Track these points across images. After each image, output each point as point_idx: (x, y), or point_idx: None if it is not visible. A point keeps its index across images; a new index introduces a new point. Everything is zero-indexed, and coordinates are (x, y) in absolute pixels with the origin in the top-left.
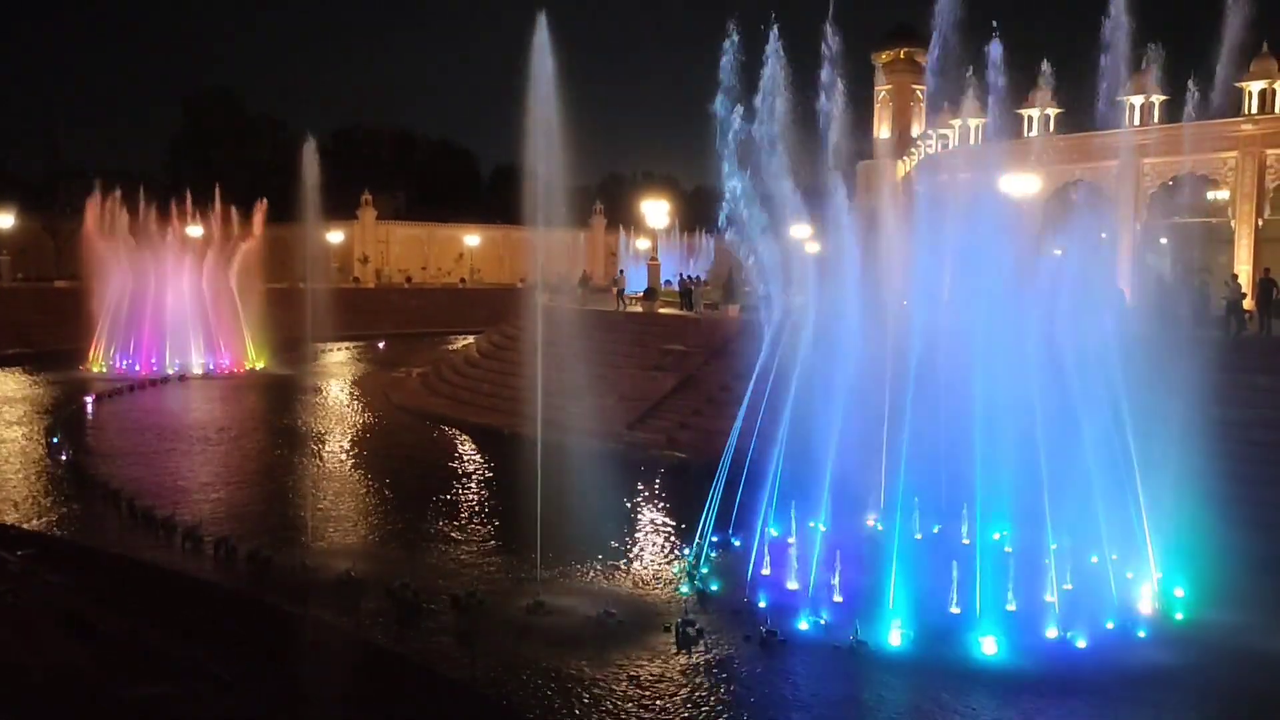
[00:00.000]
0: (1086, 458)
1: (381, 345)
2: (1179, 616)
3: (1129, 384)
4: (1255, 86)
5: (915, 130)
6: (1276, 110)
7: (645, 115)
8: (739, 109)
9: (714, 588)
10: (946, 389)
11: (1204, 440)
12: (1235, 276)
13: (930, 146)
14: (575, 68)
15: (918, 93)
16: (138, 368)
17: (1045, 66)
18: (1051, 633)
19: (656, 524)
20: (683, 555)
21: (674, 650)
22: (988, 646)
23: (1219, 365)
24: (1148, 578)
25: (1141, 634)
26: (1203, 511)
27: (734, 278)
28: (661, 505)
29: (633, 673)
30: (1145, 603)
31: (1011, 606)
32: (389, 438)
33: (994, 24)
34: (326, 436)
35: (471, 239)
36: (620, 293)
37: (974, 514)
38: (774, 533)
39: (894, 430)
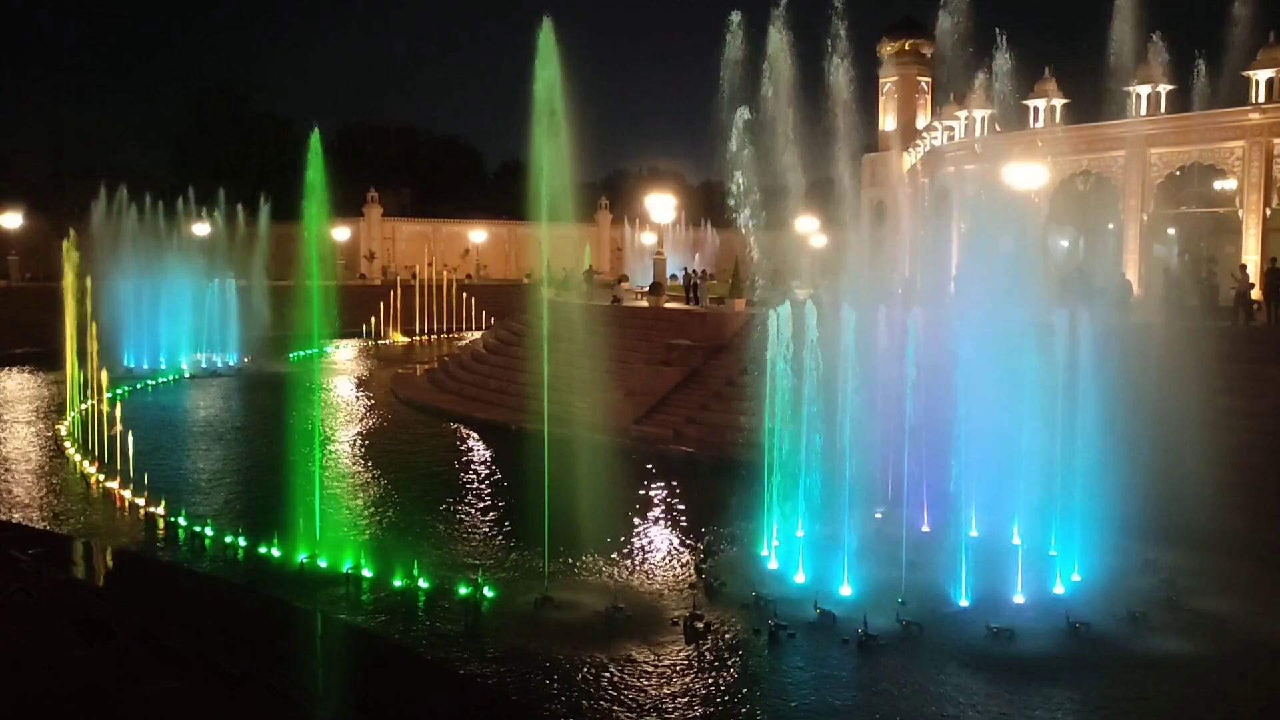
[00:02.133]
0: (1092, 448)
1: (388, 341)
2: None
3: (1137, 375)
4: (1262, 75)
5: (921, 121)
6: None
7: (652, 109)
8: (744, 108)
9: (722, 582)
10: (952, 383)
11: (1210, 430)
12: (1243, 267)
13: (936, 138)
14: (581, 62)
15: (923, 84)
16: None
17: (1052, 57)
18: (1062, 622)
19: (664, 519)
20: (691, 550)
21: (682, 644)
22: (998, 636)
23: (1227, 355)
24: (1152, 568)
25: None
26: (1204, 500)
27: (740, 272)
28: (669, 500)
29: (640, 667)
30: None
31: (1020, 599)
32: (395, 433)
33: (999, 17)
34: (333, 432)
35: (477, 235)
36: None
37: (983, 508)
38: (782, 527)
39: (901, 423)
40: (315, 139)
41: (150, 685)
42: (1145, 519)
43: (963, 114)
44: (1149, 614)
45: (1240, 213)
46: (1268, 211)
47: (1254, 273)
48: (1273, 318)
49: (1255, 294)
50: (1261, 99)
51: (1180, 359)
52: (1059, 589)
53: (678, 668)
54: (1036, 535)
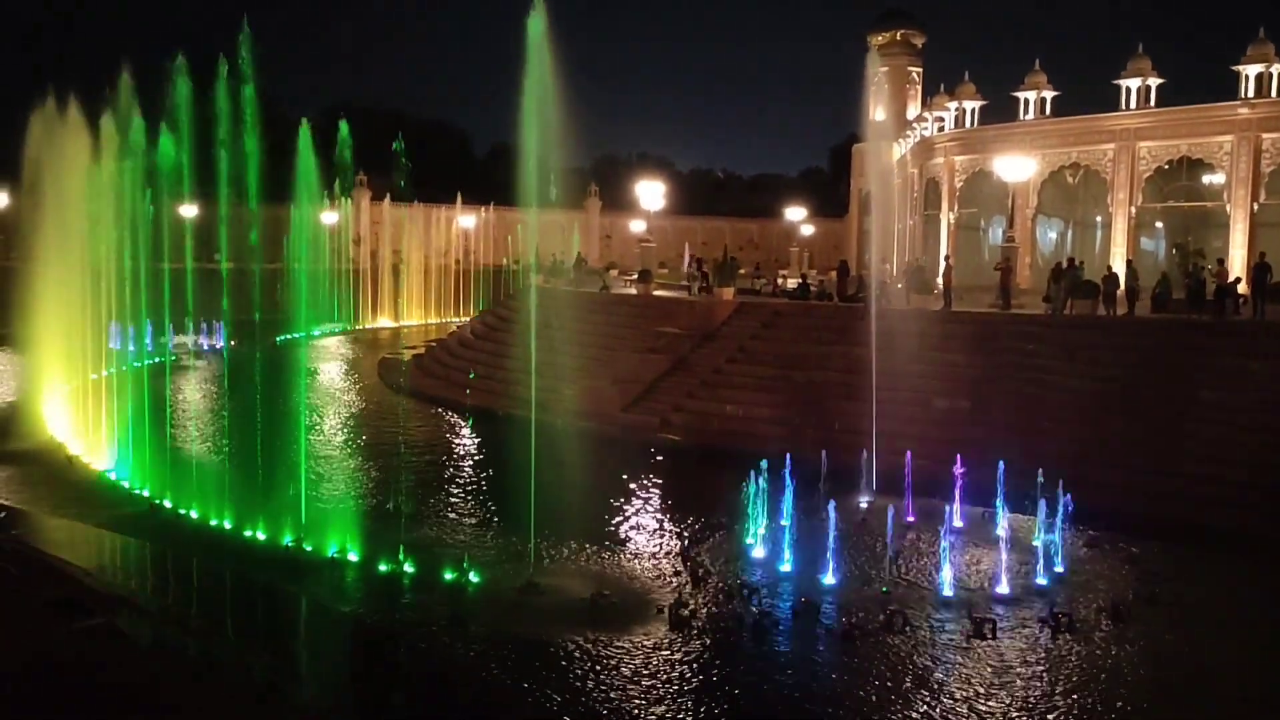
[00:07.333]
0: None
1: (375, 326)
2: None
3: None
4: (1251, 70)
5: (911, 112)
6: (1273, 94)
7: (642, 96)
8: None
9: (707, 570)
10: (933, 374)
11: (1190, 423)
12: (1220, 261)
13: (926, 128)
14: (571, 48)
15: (913, 74)
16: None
17: (1043, 49)
18: (1044, 611)
19: (650, 506)
20: (677, 537)
21: (666, 632)
22: (981, 625)
23: (1211, 349)
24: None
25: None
26: (1186, 492)
27: (729, 261)
28: (655, 488)
29: (625, 654)
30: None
31: (1003, 589)
32: (382, 418)
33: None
34: (320, 416)
35: (466, 220)
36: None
37: (964, 497)
38: (767, 515)
39: (883, 413)
40: (304, 127)
41: (131, 666)
42: (1126, 512)
43: (953, 105)
44: (1129, 604)
45: (1227, 207)
46: (1255, 206)
47: (1240, 266)
48: (1258, 311)
49: (1242, 288)
50: (1250, 93)
51: (1161, 351)
52: (1041, 580)
53: (662, 655)
54: (1015, 525)
